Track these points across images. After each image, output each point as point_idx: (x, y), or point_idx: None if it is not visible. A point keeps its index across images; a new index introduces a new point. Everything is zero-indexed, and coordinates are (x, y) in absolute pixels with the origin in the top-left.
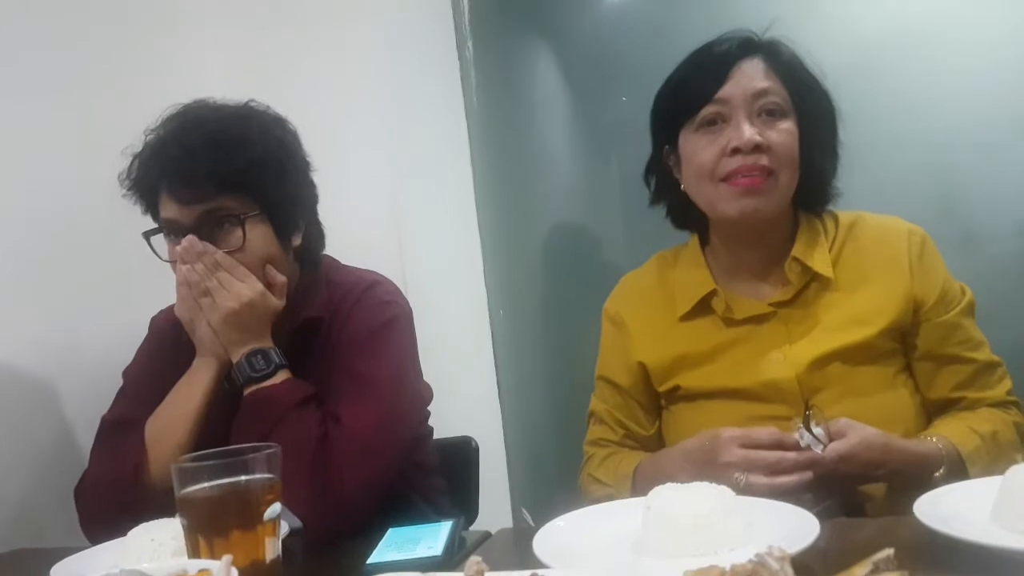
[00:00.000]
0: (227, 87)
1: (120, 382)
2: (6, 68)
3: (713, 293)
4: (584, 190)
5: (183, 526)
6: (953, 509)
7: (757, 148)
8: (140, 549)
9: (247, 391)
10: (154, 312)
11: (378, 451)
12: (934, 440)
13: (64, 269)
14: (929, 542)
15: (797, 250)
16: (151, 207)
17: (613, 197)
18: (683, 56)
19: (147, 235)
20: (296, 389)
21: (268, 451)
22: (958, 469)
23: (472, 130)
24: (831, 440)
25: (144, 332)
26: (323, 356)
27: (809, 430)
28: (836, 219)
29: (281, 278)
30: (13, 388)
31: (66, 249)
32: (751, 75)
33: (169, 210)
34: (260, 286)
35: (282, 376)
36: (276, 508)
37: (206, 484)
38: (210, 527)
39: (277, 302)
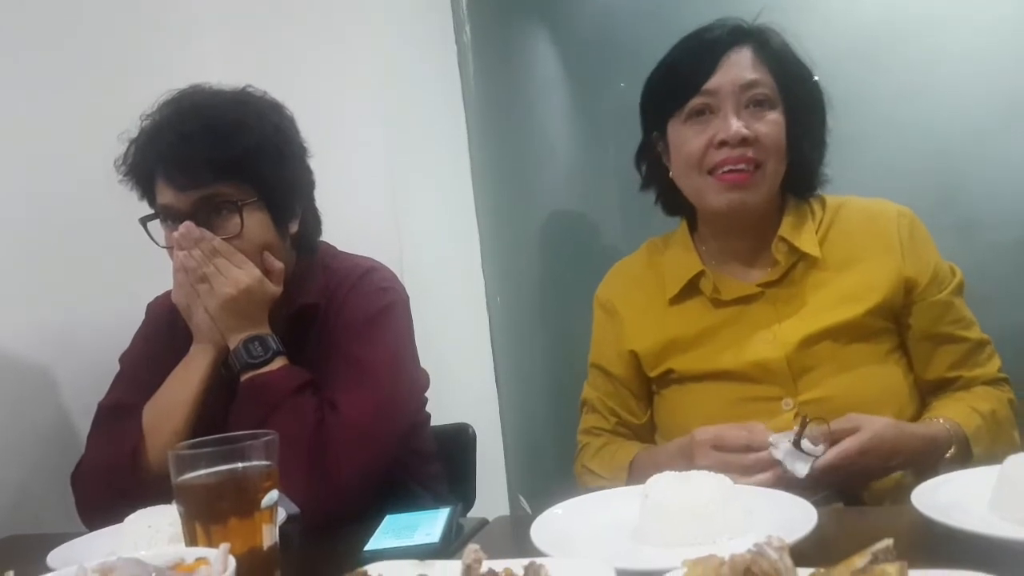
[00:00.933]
0: (224, 69)
1: (117, 367)
2: (7, 59)
3: (701, 274)
4: (582, 176)
5: (180, 513)
6: (951, 499)
7: (744, 141)
8: (137, 536)
9: (244, 377)
10: (150, 298)
11: (375, 437)
12: (940, 421)
13: (60, 256)
14: (927, 532)
15: (784, 230)
16: (147, 193)
17: (611, 183)
18: None
19: (144, 221)
20: (293, 376)
21: (265, 438)
22: (964, 448)
23: (470, 116)
24: (835, 441)
25: (140, 318)
26: (320, 342)
27: (799, 446)
28: (823, 202)
29: (278, 264)
30: (10, 374)
31: (62, 236)
32: (740, 65)
33: (166, 196)
34: (258, 272)
35: (279, 363)
36: (273, 495)
37: (203, 471)
38: (207, 514)
39: (274, 288)
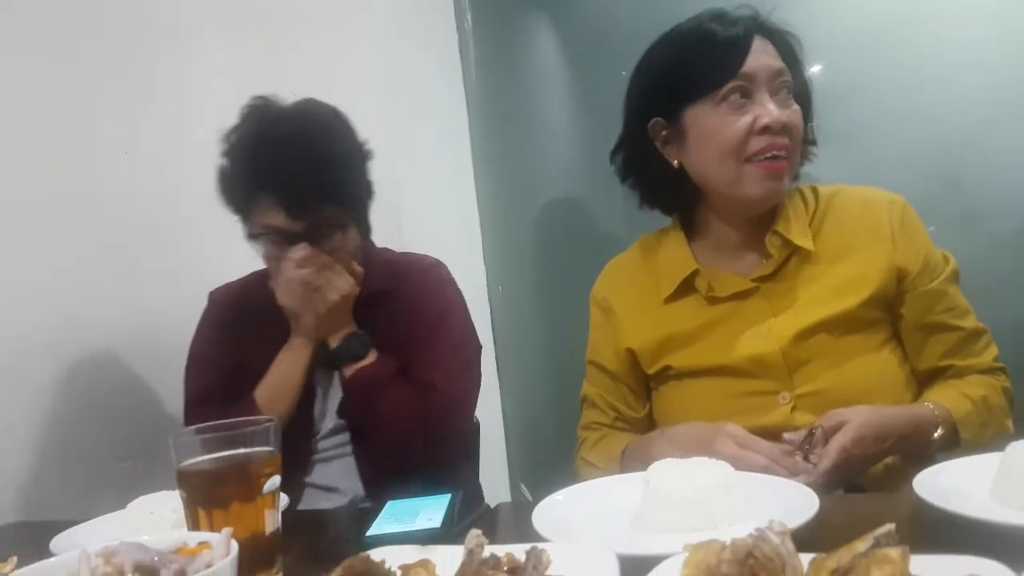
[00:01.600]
0: (225, 49)
1: (119, 359)
2: (12, 55)
3: (695, 273)
4: (584, 165)
5: (182, 499)
6: (953, 485)
7: (784, 128)
8: (139, 522)
9: (348, 369)
10: (154, 295)
11: (467, 408)
12: (928, 404)
13: (70, 251)
14: (929, 518)
15: (779, 224)
16: (244, 210)
17: (613, 172)
18: None
19: (253, 238)
20: (388, 364)
21: (267, 424)
22: (952, 432)
23: (471, 104)
24: (826, 440)
25: (146, 315)
26: (390, 323)
27: (807, 458)
28: (816, 192)
29: (360, 269)
30: (15, 364)
31: (69, 231)
32: (767, 52)
33: (275, 219)
34: (351, 280)
35: (373, 355)
36: (275, 481)
37: (205, 457)
38: (209, 500)
39: (357, 289)
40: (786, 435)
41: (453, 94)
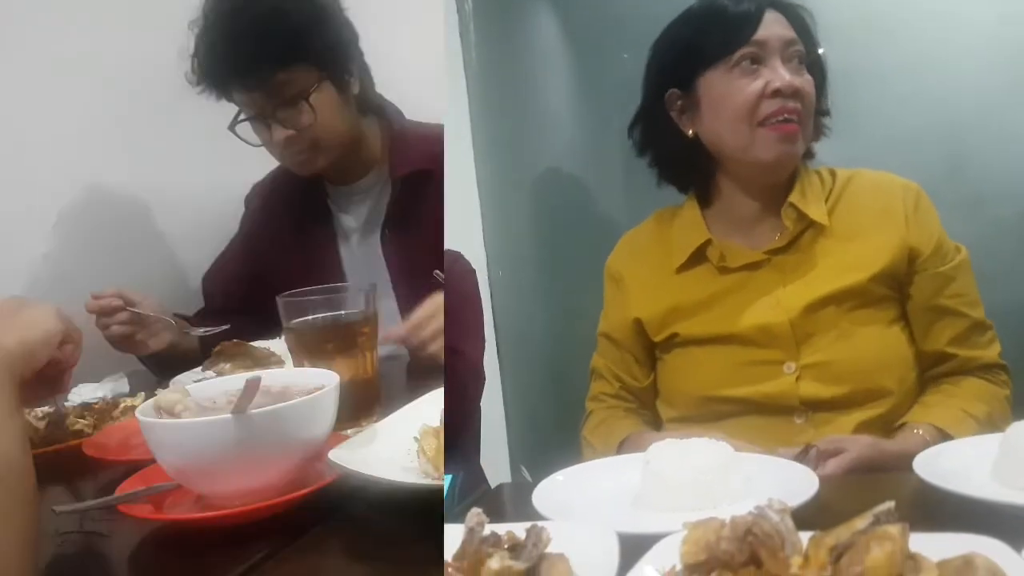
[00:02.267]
0: None
1: None
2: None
3: (708, 243)
4: (585, 147)
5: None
6: (954, 466)
7: (796, 92)
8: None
9: None
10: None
11: (483, 376)
12: (919, 432)
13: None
14: (930, 497)
15: (794, 197)
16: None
17: (614, 155)
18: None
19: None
20: None
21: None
22: None
23: (471, 86)
24: (818, 463)
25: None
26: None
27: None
28: (834, 173)
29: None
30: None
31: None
32: (780, 23)
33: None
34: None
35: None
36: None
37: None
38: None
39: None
40: (781, 451)
41: (453, 76)
